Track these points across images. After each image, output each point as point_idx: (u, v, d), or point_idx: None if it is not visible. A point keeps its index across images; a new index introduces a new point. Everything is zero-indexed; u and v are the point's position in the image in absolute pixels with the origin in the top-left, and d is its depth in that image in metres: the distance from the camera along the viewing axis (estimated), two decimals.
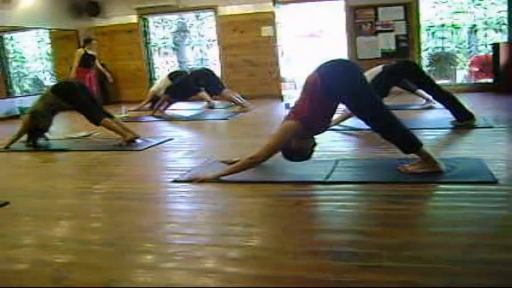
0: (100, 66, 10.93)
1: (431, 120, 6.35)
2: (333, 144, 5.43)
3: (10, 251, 2.71)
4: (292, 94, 9.51)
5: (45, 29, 11.61)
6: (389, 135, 3.77)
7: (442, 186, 3.36)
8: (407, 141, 3.70)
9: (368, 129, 5.89)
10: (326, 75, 3.67)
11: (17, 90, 11.33)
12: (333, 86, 3.66)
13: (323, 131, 4.00)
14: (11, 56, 11.56)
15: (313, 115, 3.70)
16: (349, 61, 4.12)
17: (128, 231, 2.89)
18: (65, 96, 5.96)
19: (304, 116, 3.70)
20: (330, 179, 3.66)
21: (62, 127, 8.49)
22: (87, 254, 2.59)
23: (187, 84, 8.94)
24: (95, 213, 3.38)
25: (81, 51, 10.32)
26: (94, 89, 9.98)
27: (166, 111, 8.99)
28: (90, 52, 10.35)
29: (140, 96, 10.55)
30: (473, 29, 11.16)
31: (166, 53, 13.12)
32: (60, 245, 2.78)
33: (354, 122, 6.35)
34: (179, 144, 5.73)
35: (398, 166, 3.75)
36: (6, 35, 11.25)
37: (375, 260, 2.22)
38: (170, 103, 9.03)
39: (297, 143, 3.79)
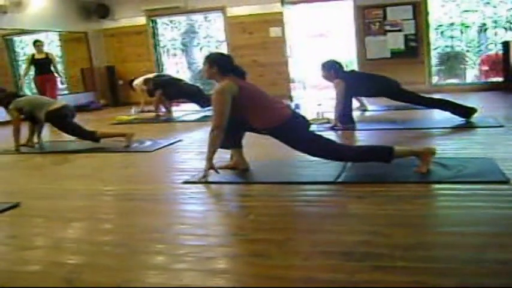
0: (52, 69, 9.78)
1: (441, 120, 6.32)
2: (342, 144, 5.42)
3: (22, 253, 2.72)
4: (301, 94, 9.49)
5: (55, 31, 11.68)
6: (360, 159, 3.89)
7: (453, 186, 3.34)
8: (379, 153, 3.78)
9: (377, 129, 5.95)
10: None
11: (28, 92, 11.39)
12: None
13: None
14: (21, 58, 11.62)
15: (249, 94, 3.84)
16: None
17: (139, 232, 2.89)
18: (55, 123, 6.16)
19: (241, 84, 3.83)
20: (340, 179, 3.66)
21: None
22: (99, 255, 2.60)
23: (179, 88, 9.00)
24: (106, 214, 3.39)
25: (29, 56, 9.71)
26: (54, 96, 9.12)
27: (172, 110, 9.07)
28: (38, 56, 9.51)
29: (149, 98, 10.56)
30: (482, 28, 11.09)
31: (175, 55, 13.14)
32: (72, 246, 2.79)
33: (362, 122, 6.36)
34: (189, 145, 5.74)
35: (414, 169, 3.76)
36: (16, 38, 11.32)
37: (387, 260, 2.22)
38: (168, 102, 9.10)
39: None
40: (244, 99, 3.80)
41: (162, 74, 10.53)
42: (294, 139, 3.87)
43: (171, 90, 8.95)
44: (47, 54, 9.60)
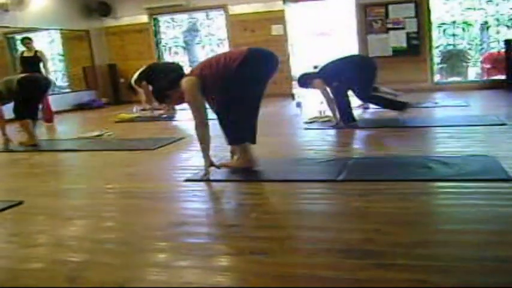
0: (43, 70, 9.03)
1: (443, 118, 6.32)
2: (343, 142, 5.44)
3: (25, 250, 2.73)
4: (303, 93, 9.48)
5: (57, 29, 11.69)
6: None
7: (454, 183, 3.34)
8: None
9: (380, 127, 5.95)
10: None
11: None
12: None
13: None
14: None
15: (208, 74, 3.84)
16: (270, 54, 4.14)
17: (141, 230, 2.90)
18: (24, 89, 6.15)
19: (203, 74, 3.84)
20: (341, 177, 3.66)
21: (75, 127, 8.57)
22: (101, 253, 2.61)
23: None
24: (108, 212, 3.40)
25: (20, 53, 9.34)
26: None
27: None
28: (27, 54, 9.05)
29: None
30: (485, 26, 11.08)
31: (176, 53, 13.15)
32: (74, 244, 2.80)
33: (364, 121, 6.36)
34: (191, 143, 5.74)
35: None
36: (18, 36, 11.31)
37: (388, 258, 2.22)
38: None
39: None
40: (209, 81, 3.84)
41: (151, 64, 10.41)
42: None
43: (152, 75, 8.98)
44: (36, 52, 9.09)
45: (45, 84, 6.43)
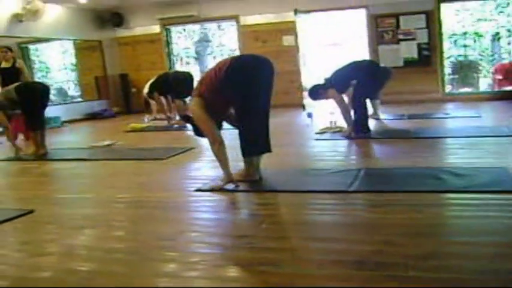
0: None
1: (454, 129, 6.29)
2: (354, 153, 5.42)
3: (35, 259, 2.74)
4: (313, 103, 9.47)
5: (70, 39, 11.78)
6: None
7: (466, 195, 3.31)
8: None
9: (391, 138, 5.93)
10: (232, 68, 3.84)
11: None
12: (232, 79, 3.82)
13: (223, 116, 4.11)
14: (36, 66, 11.75)
15: (209, 91, 3.87)
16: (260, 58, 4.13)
17: (151, 240, 2.90)
18: (23, 96, 6.22)
19: (202, 92, 3.89)
20: (352, 188, 3.64)
21: (86, 136, 8.61)
22: (110, 262, 2.61)
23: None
24: (118, 221, 3.40)
25: None
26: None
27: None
28: (4, 65, 8.18)
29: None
30: (496, 37, 11.05)
31: (188, 63, 13.23)
32: (84, 253, 2.80)
33: (375, 131, 6.34)
34: (201, 153, 5.75)
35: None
36: (31, 46, 11.44)
37: (400, 270, 2.20)
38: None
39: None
40: (210, 97, 3.87)
41: (161, 74, 10.52)
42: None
43: (164, 86, 9.17)
44: (14, 63, 8.20)
45: (43, 90, 6.45)
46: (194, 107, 3.91)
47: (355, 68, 6.31)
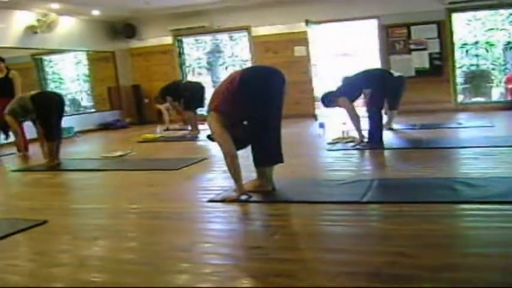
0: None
1: (468, 139, 6.25)
2: (367, 163, 5.40)
3: (48, 270, 2.75)
4: (325, 113, 9.47)
5: (83, 50, 11.89)
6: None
7: (480, 206, 3.28)
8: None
9: (404, 148, 5.90)
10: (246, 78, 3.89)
11: None
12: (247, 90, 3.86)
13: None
14: (50, 77, 11.85)
15: (223, 104, 3.91)
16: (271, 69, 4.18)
17: (163, 251, 2.90)
18: (38, 106, 6.31)
19: (217, 105, 3.93)
20: (365, 199, 3.63)
21: (99, 147, 8.65)
22: (123, 273, 2.61)
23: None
24: (131, 232, 3.41)
25: None
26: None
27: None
28: None
29: (175, 116, 10.68)
30: (508, 46, 11.00)
31: (200, 74, 13.27)
32: (97, 264, 2.81)
33: (387, 141, 6.31)
34: (214, 164, 5.76)
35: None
36: (45, 57, 11.55)
37: (414, 282, 2.18)
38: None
39: (232, 133, 3.91)
40: (225, 110, 3.91)
41: (175, 80, 10.63)
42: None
43: (175, 92, 9.23)
44: (7, 73, 7.89)
45: (58, 100, 6.48)
46: (210, 119, 3.94)
47: (365, 77, 6.32)
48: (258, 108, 3.87)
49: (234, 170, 3.88)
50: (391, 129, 7.46)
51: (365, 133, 6.20)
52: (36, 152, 7.06)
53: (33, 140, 7.31)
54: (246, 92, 3.85)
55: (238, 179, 3.89)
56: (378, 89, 6.18)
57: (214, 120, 3.91)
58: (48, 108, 6.29)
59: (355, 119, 6.16)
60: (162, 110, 10.66)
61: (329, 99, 6.40)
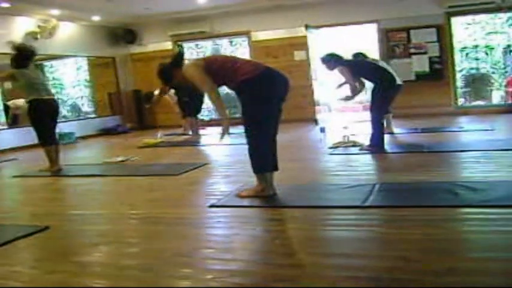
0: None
1: (468, 143, 6.25)
2: (369, 167, 5.40)
3: (49, 276, 2.74)
4: (326, 117, 9.48)
5: (83, 56, 11.91)
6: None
7: (482, 210, 3.28)
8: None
9: (405, 152, 5.90)
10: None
11: None
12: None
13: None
14: (50, 82, 11.84)
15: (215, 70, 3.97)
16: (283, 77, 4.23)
17: (165, 257, 2.89)
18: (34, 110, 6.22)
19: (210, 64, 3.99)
20: (367, 203, 3.62)
21: (100, 152, 8.65)
22: (125, 279, 2.60)
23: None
24: (133, 238, 3.40)
25: None
26: None
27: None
28: None
29: (176, 121, 10.68)
30: (508, 49, 11.02)
31: None
32: (99, 270, 2.81)
33: (388, 145, 6.31)
34: (215, 169, 5.76)
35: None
36: (46, 63, 11.56)
37: (416, 287, 2.18)
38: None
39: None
40: (214, 67, 3.96)
41: None
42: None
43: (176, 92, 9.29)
44: None
45: (53, 105, 6.39)
46: (189, 63, 4.09)
47: (377, 72, 6.32)
48: (260, 108, 3.90)
49: (219, 104, 4.00)
50: (391, 133, 7.46)
51: (367, 138, 6.20)
52: (37, 157, 7.04)
53: (33, 146, 7.30)
54: (246, 89, 3.89)
55: (223, 113, 4.01)
56: (383, 92, 6.18)
57: (196, 65, 4.03)
58: (41, 113, 6.22)
59: (352, 88, 6.23)
60: (172, 104, 10.55)
61: (329, 61, 6.42)
